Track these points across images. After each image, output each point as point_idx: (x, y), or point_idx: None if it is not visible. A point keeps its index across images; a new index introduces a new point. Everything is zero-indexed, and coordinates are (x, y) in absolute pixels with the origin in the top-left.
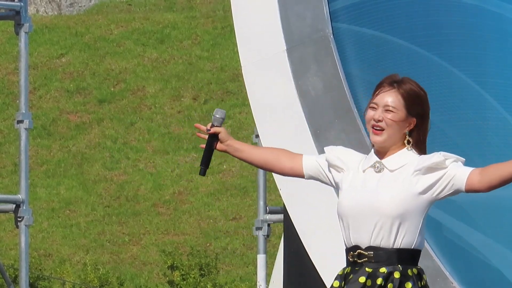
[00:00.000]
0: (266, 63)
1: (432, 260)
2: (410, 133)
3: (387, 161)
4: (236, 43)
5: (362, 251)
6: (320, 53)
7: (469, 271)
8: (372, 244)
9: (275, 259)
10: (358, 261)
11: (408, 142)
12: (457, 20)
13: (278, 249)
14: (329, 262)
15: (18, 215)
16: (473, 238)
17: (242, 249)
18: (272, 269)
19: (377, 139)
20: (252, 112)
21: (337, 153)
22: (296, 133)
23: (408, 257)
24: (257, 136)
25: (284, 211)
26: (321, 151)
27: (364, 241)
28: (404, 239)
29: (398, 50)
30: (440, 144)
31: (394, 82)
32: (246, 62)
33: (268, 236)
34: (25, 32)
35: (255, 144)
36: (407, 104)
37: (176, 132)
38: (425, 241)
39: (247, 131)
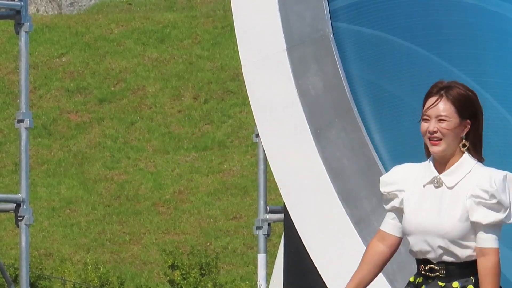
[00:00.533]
0: (266, 63)
1: None
2: (467, 135)
3: (445, 176)
4: (236, 43)
5: (433, 266)
6: (320, 53)
7: None
8: (443, 260)
9: (275, 258)
10: (431, 275)
11: (464, 146)
12: (457, 19)
13: (278, 248)
14: (329, 262)
15: (19, 214)
16: None
17: (243, 249)
18: (273, 268)
19: (437, 149)
20: (252, 111)
21: (391, 180)
22: (296, 132)
23: (477, 267)
24: (257, 135)
25: (284, 210)
26: (321, 151)
27: (433, 257)
28: (471, 252)
29: (398, 49)
30: None
31: (441, 90)
32: (246, 61)
33: (268, 235)
34: (26, 32)
35: (255, 143)
36: (458, 109)
37: (176, 131)
38: None
39: (247, 130)
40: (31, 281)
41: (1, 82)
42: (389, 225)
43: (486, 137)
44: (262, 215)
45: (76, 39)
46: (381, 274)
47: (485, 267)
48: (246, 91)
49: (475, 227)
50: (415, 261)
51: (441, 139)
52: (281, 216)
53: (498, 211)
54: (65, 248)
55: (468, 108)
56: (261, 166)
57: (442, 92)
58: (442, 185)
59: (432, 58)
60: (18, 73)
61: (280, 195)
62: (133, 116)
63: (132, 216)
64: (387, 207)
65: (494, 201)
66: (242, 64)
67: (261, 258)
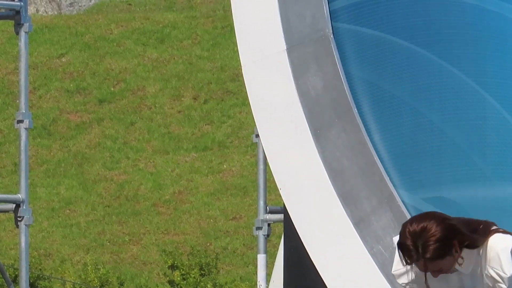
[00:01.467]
0: (266, 63)
1: None
2: (460, 246)
3: (457, 267)
4: (236, 43)
5: None
6: (320, 53)
7: None
8: None
9: (275, 258)
10: None
11: (461, 260)
12: (457, 20)
13: (278, 248)
14: (329, 262)
15: (18, 214)
16: None
17: (242, 249)
18: (272, 268)
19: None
20: (252, 111)
21: (407, 279)
22: (296, 132)
23: None
24: (257, 136)
25: (284, 210)
26: (321, 151)
27: None
28: None
29: (398, 49)
30: (439, 144)
31: (417, 257)
32: (246, 61)
33: (268, 235)
34: (25, 32)
35: (255, 144)
36: (441, 257)
37: (176, 132)
38: None
39: (247, 130)
40: (31, 281)
41: (1, 83)
42: None
43: (486, 137)
44: (262, 216)
45: (76, 39)
46: (381, 274)
47: None
48: (246, 92)
49: None
50: None
51: (446, 271)
52: (281, 216)
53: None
54: (64, 249)
55: (448, 246)
56: (261, 166)
57: (420, 257)
58: (455, 271)
59: (432, 58)
60: (17, 74)
61: (280, 196)
62: (132, 117)
63: (132, 216)
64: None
65: (504, 286)
66: (242, 64)
67: (261, 258)
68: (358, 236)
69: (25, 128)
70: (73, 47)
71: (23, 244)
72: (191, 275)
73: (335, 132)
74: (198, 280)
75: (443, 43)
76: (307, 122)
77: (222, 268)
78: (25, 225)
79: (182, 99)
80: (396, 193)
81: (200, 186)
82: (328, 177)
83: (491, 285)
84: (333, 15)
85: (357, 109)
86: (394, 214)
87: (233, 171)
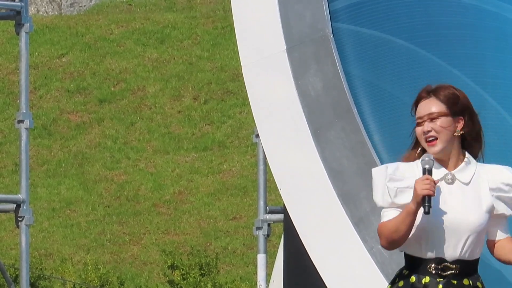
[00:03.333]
0: (266, 63)
1: None
2: (462, 133)
3: (457, 172)
4: (236, 43)
5: (448, 264)
6: (320, 53)
7: None
8: (459, 258)
9: (275, 258)
10: (443, 273)
11: (460, 132)
12: (456, 20)
13: (278, 248)
14: (329, 262)
15: (19, 214)
16: None
17: (242, 249)
18: (272, 268)
19: (434, 149)
20: (252, 111)
21: (399, 175)
22: (296, 132)
23: (477, 266)
24: (257, 136)
25: (284, 210)
26: (320, 151)
27: (450, 255)
28: (480, 250)
29: (398, 50)
30: None
31: (429, 92)
32: (246, 62)
33: (268, 235)
34: (26, 32)
35: (255, 144)
36: (448, 106)
37: (176, 132)
38: None
39: (247, 131)
40: (31, 281)
41: (1, 83)
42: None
43: (486, 138)
44: (262, 216)
45: (76, 39)
46: (380, 274)
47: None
48: (246, 92)
49: (498, 219)
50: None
51: (436, 138)
52: (281, 216)
53: None
54: (65, 249)
55: (459, 105)
56: (261, 167)
57: (431, 93)
58: (455, 182)
59: (432, 59)
60: (18, 74)
61: (280, 196)
62: (133, 117)
63: (132, 216)
64: (399, 202)
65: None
66: (242, 65)
67: (261, 258)
68: (357, 235)
69: (26, 128)
70: (74, 47)
71: (23, 244)
72: (191, 275)
73: (335, 132)
74: (198, 280)
75: (443, 43)
76: (307, 122)
77: (222, 268)
78: (26, 225)
79: (182, 99)
80: None
81: (200, 186)
82: (328, 177)
83: (492, 201)
84: (333, 15)
85: (357, 109)
86: None
87: (233, 171)
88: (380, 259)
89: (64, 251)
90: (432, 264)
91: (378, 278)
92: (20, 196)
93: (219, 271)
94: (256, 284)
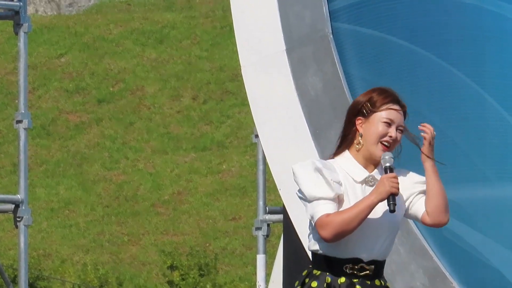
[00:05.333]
0: (266, 63)
1: (432, 260)
2: None
3: (377, 175)
4: (236, 43)
5: (364, 265)
6: (319, 53)
7: (469, 271)
8: (375, 258)
9: (274, 259)
10: (359, 274)
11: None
12: (456, 20)
13: (277, 249)
14: None
15: (17, 215)
16: (473, 238)
17: (242, 249)
18: (272, 269)
19: (383, 155)
20: (252, 112)
21: (332, 168)
22: (295, 133)
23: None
24: (257, 136)
25: (283, 211)
26: (320, 151)
27: (367, 255)
28: (390, 251)
29: (398, 50)
30: (439, 143)
31: (399, 103)
32: (245, 62)
33: (267, 236)
34: (24, 32)
35: (255, 144)
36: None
37: (175, 132)
38: (425, 241)
39: (246, 131)
40: (30, 281)
41: (0, 83)
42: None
43: (485, 137)
44: (261, 216)
45: (75, 39)
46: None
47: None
48: (245, 92)
49: (421, 198)
50: (412, 262)
51: (389, 147)
52: (280, 216)
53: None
54: (64, 249)
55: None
56: (260, 167)
57: (400, 106)
58: (374, 183)
59: (432, 59)
60: (17, 74)
61: (279, 196)
62: (132, 117)
63: (131, 216)
64: (331, 194)
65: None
66: (241, 65)
67: (260, 258)
68: None
69: (24, 128)
70: (72, 47)
71: (22, 245)
72: (190, 275)
73: (334, 132)
74: (197, 281)
75: (443, 43)
76: (307, 122)
77: (221, 269)
78: (24, 225)
79: (181, 99)
80: None
81: (199, 186)
82: None
83: (407, 200)
84: (333, 15)
85: None
86: None
87: (232, 171)
88: None
89: (63, 252)
90: (349, 264)
91: None
92: (19, 196)
93: (218, 271)
94: (256, 285)
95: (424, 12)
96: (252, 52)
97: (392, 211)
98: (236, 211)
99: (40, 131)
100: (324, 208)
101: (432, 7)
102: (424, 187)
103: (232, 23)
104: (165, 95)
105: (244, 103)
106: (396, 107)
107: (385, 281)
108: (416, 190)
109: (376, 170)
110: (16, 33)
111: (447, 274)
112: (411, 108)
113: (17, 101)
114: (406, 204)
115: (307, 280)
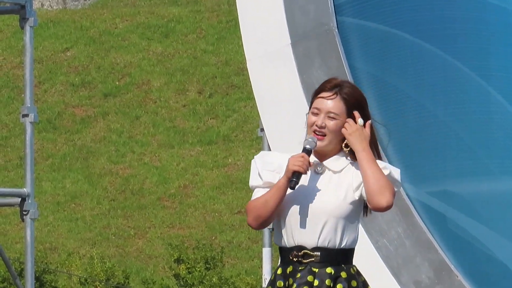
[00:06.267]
0: (271, 57)
1: (437, 253)
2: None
3: (328, 163)
4: (241, 37)
5: (308, 252)
6: (324, 47)
7: (474, 264)
8: (319, 245)
9: None
10: (304, 261)
11: (346, 146)
12: (461, 14)
13: None
14: None
15: (24, 208)
16: (478, 231)
17: (248, 243)
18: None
19: (319, 144)
20: (257, 106)
21: (270, 159)
22: (301, 126)
23: (349, 257)
24: (262, 130)
25: None
26: None
27: (309, 242)
28: (348, 240)
29: (403, 44)
30: (444, 138)
31: (335, 87)
32: (251, 56)
33: (273, 229)
34: (30, 26)
35: (260, 137)
36: (348, 110)
37: (181, 126)
38: (430, 234)
39: (252, 124)
40: (37, 275)
41: (6, 77)
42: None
43: (490, 131)
44: None
45: (81, 33)
46: (385, 267)
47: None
48: (251, 86)
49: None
50: (417, 255)
51: (325, 135)
52: None
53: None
54: (70, 243)
55: (358, 110)
56: None
57: (337, 90)
58: (325, 171)
59: (437, 53)
60: (23, 68)
61: None
62: (138, 111)
63: (137, 210)
64: (260, 182)
65: (386, 172)
66: (246, 59)
67: (266, 252)
68: (362, 229)
69: (31, 122)
70: (78, 41)
71: (28, 238)
72: (196, 268)
73: None
74: (204, 274)
75: (448, 37)
76: None
77: (227, 262)
78: (31, 219)
79: (187, 93)
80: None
81: (205, 180)
82: None
83: (358, 186)
84: (338, 9)
85: None
86: (398, 208)
87: (238, 165)
88: (385, 252)
89: (69, 245)
90: (293, 252)
91: (383, 271)
92: (25, 190)
93: (224, 264)
94: (261, 278)
95: (428, 6)
96: (257, 46)
97: (291, 187)
98: (242, 204)
99: (46, 125)
100: (254, 195)
101: (437, 1)
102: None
103: (237, 17)
104: (171, 89)
105: (249, 97)
106: (326, 94)
107: (342, 270)
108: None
109: (330, 159)
110: (22, 27)
111: (452, 267)
112: (415, 103)
113: (23, 95)
114: (360, 191)
115: (272, 276)
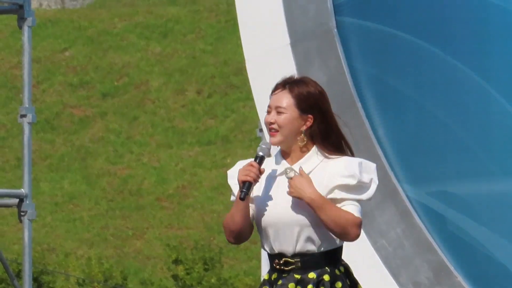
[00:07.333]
0: (270, 57)
1: (437, 255)
2: (311, 130)
3: (297, 166)
4: (240, 37)
5: (288, 259)
6: (324, 47)
7: (473, 265)
8: (298, 252)
9: None
10: (286, 268)
11: (302, 141)
12: (461, 14)
13: None
14: None
15: (21, 209)
16: (478, 233)
17: (246, 244)
18: None
19: (273, 140)
20: (256, 106)
21: (233, 172)
22: None
23: (333, 257)
24: (261, 130)
25: None
26: None
27: (289, 249)
28: (328, 242)
29: (402, 44)
30: (443, 138)
31: (286, 83)
32: (249, 56)
33: None
34: (28, 26)
35: (259, 138)
36: (298, 102)
37: (179, 126)
38: (430, 235)
39: (250, 125)
40: (34, 276)
41: (4, 77)
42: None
43: (490, 132)
44: None
45: (79, 33)
46: (385, 269)
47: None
48: (250, 86)
49: (340, 205)
50: (416, 255)
51: (277, 131)
52: None
53: (357, 191)
54: (68, 243)
55: (310, 103)
56: None
57: (287, 85)
58: (292, 174)
59: (437, 53)
60: (21, 68)
61: None
62: (136, 111)
63: (135, 211)
64: (232, 197)
65: (353, 182)
66: (245, 59)
67: (265, 253)
68: (362, 230)
69: (28, 123)
70: (76, 41)
71: (26, 239)
72: (195, 269)
73: None
74: (202, 275)
75: (447, 38)
76: None
77: (226, 263)
78: (29, 219)
79: (186, 93)
80: (400, 188)
81: (204, 180)
82: None
83: (325, 193)
84: (337, 9)
85: (361, 104)
86: (398, 209)
87: None
88: (384, 254)
89: (67, 246)
90: (275, 259)
91: (382, 272)
92: (23, 191)
93: (223, 265)
94: (260, 278)
95: (428, 6)
96: (256, 46)
97: (241, 199)
98: None
99: (44, 125)
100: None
101: (437, 1)
102: (345, 181)
103: (236, 17)
104: (169, 89)
105: (248, 97)
106: (277, 91)
107: (325, 273)
108: (332, 184)
109: (299, 162)
110: (20, 27)
111: (451, 268)
112: (415, 103)
113: (21, 95)
114: (333, 195)
115: (261, 282)
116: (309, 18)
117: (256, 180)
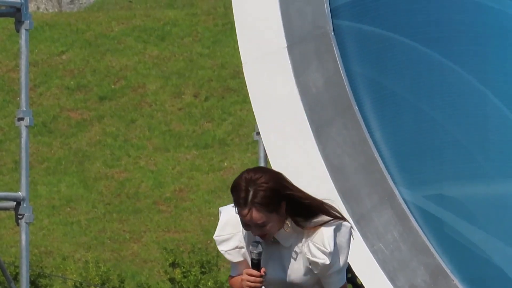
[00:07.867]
0: (267, 60)
1: (433, 257)
2: (289, 210)
3: (279, 236)
4: (237, 40)
5: None
6: (320, 50)
7: (470, 268)
8: None
9: None
10: None
11: (287, 226)
12: (458, 16)
13: None
14: None
15: (19, 212)
16: (475, 236)
17: None
18: None
19: (267, 239)
20: (253, 109)
21: (225, 236)
22: (297, 130)
23: None
24: (258, 133)
25: None
26: (321, 148)
27: None
28: None
29: (399, 47)
30: (441, 141)
31: (245, 202)
32: (246, 59)
33: None
34: (26, 29)
35: (256, 141)
36: (269, 210)
37: (177, 129)
38: (427, 238)
39: (247, 128)
40: (32, 279)
41: (1, 80)
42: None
43: (487, 134)
44: None
45: (77, 36)
46: (382, 272)
47: None
48: (247, 89)
49: (319, 277)
50: (413, 258)
51: (266, 234)
52: None
53: (333, 265)
54: (65, 246)
55: (277, 198)
56: (262, 164)
57: (248, 202)
58: (277, 243)
59: (433, 56)
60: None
61: None
62: (133, 114)
63: (133, 214)
64: (236, 261)
65: (327, 262)
66: (242, 62)
67: None
68: (358, 233)
69: (26, 126)
70: (74, 45)
71: (23, 242)
72: (192, 273)
73: (336, 129)
74: (199, 278)
75: (444, 40)
76: (308, 119)
77: (223, 266)
78: (26, 223)
79: (183, 96)
80: (397, 191)
81: (201, 183)
82: (329, 174)
83: (309, 261)
84: (334, 12)
85: (358, 106)
86: (394, 212)
87: (233, 168)
88: (381, 256)
89: (64, 249)
90: None
91: (379, 275)
92: (20, 194)
93: (220, 269)
94: None
95: (425, 9)
96: (253, 49)
97: None
98: None
99: (41, 128)
100: (232, 267)
101: (433, 4)
102: (321, 262)
103: (233, 20)
104: (166, 93)
105: (245, 100)
106: (242, 211)
107: None
108: (310, 262)
109: (281, 234)
110: (18, 31)
111: (448, 271)
112: (411, 106)
113: (18, 98)
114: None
115: None
116: (306, 21)
117: (261, 283)
